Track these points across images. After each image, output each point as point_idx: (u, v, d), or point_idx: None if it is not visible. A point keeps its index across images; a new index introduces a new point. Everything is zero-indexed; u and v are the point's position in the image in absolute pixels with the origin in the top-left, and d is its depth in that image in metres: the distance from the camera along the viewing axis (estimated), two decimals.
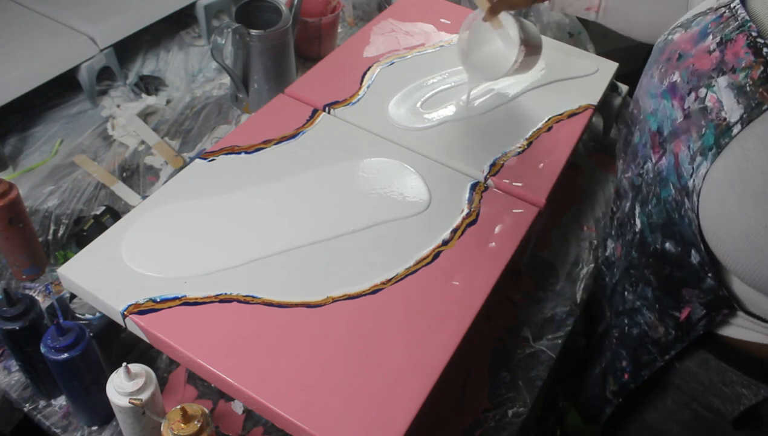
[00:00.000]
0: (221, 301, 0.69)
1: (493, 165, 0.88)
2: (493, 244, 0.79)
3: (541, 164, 0.90)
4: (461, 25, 0.92)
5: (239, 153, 0.86)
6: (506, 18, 0.87)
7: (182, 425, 0.60)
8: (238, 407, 0.77)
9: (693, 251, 0.64)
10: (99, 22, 1.14)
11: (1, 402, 0.78)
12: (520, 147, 0.92)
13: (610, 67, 1.10)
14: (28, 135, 1.08)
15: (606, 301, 0.90)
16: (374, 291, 0.72)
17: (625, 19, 0.88)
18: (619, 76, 1.11)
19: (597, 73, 1.07)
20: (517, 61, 0.87)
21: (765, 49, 0.57)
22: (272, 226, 0.77)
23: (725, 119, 0.58)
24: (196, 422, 0.61)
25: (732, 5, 0.62)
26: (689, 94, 0.63)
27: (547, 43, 1.13)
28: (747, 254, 0.58)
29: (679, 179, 0.64)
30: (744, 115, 0.56)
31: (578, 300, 0.95)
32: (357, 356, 0.66)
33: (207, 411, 0.62)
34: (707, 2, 0.69)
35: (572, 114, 0.99)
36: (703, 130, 0.60)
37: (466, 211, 0.82)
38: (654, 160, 0.69)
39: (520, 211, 0.83)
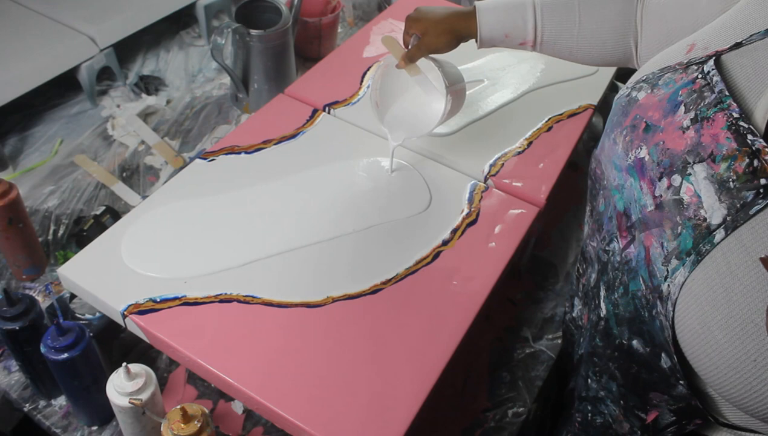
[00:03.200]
0: (221, 301, 0.69)
1: (493, 165, 0.88)
2: (493, 244, 0.79)
3: (541, 164, 0.90)
4: (370, 76, 0.83)
5: (239, 153, 0.86)
6: (423, 62, 0.81)
7: (182, 425, 0.60)
8: (238, 407, 0.77)
9: (663, 355, 0.56)
10: (99, 22, 1.14)
11: (1, 402, 0.78)
12: (520, 147, 0.92)
13: (610, 67, 1.09)
14: (28, 135, 1.08)
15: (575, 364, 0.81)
16: (374, 291, 0.72)
17: (565, 50, 0.80)
18: (619, 76, 1.11)
19: (597, 73, 1.08)
20: (446, 112, 0.80)
21: (749, 137, 0.47)
22: (272, 226, 0.77)
23: (705, 219, 0.49)
24: (196, 422, 0.61)
25: (705, 69, 0.53)
26: (660, 178, 0.54)
27: None
28: (733, 383, 0.50)
29: (651, 278, 0.55)
30: (728, 218, 0.47)
31: None
32: (357, 356, 0.66)
33: (207, 411, 0.62)
34: (674, 51, 0.60)
35: (572, 114, 0.99)
36: (679, 228, 0.52)
37: (466, 211, 0.82)
38: (621, 245, 0.60)
39: (520, 211, 0.83)
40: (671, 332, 0.53)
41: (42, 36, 1.10)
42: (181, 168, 0.94)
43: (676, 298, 0.52)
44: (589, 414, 0.72)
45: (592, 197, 0.69)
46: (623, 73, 1.13)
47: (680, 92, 0.54)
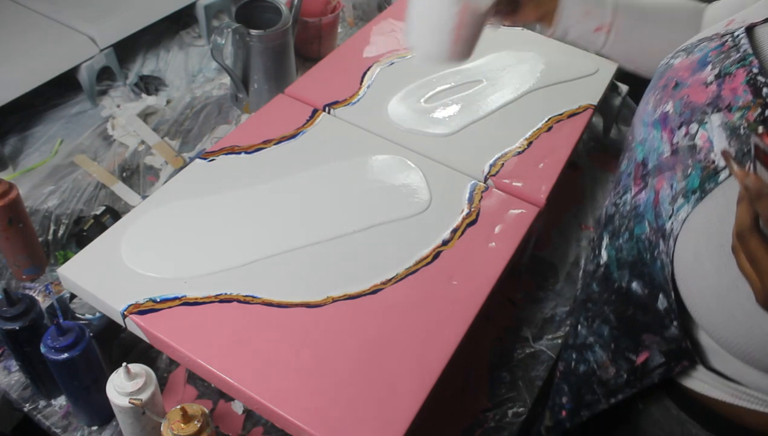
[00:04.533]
0: (221, 301, 0.69)
1: (493, 165, 0.88)
2: (493, 244, 0.79)
3: (541, 164, 0.90)
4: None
5: (239, 153, 0.86)
6: None
7: (182, 425, 0.60)
8: (238, 407, 0.77)
9: (661, 296, 0.60)
10: (99, 22, 1.14)
11: (1, 402, 0.78)
12: (520, 147, 0.92)
13: (610, 67, 1.10)
14: (28, 135, 1.08)
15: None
16: (374, 291, 0.72)
17: (637, 44, 0.80)
18: (619, 76, 1.11)
19: (597, 73, 1.07)
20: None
21: (765, 90, 0.52)
22: (272, 226, 0.77)
23: (713, 162, 0.54)
24: (196, 422, 0.61)
25: (736, 33, 0.58)
26: (680, 127, 0.59)
27: (548, 43, 1.13)
28: (715, 312, 0.55)
29: (656, 219, 0.59)
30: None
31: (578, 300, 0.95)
32: (357, 356, 0.66)
33: (207, 411, 0.62)
34: (716, 26, 0.64)
35: (572, 114, 0.99)
36: (689, 170, 0.56)
37: (466, 211, 0.82)
38: (633, 193, 0.65)
39: (520, 211, 0.83)
40: (671, 269, 0.57)
41: (42, 36, 1.10)
42: (181, 168, 0.94)
43: (677, 234, 0.56)
44: (573, 362, 0.74)
45: (619, 166, 0.73)
46: (623, 73, 1.14)
47: (710, 54, 0.60)
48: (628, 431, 0.75)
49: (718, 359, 0.60)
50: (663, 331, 0.61)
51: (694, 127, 0.57)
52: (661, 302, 0.60)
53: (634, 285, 0.63)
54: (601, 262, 0.69)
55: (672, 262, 0.57)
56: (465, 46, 0.73)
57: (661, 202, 0.59)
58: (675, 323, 0.59)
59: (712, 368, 0.61)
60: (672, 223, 0.57)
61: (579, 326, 0.74)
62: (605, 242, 0.69)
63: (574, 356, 0.75)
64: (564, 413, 0.76)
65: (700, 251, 0.54)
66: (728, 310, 0.53)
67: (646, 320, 0.62)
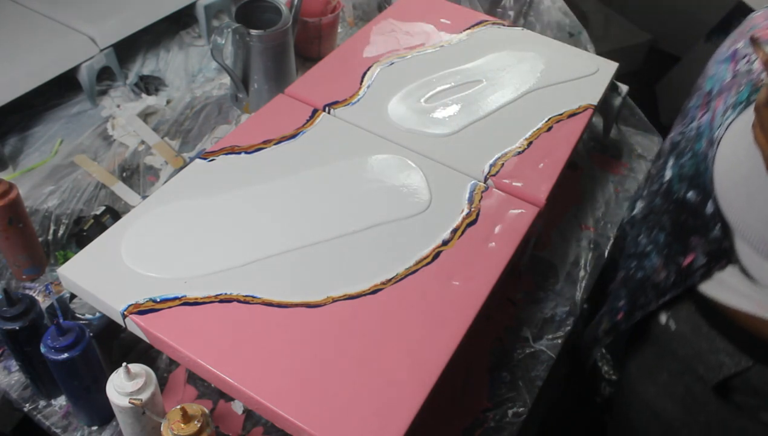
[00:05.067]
0: (221, 301, 0.69)
1: (493, 165, 0.89)
2: (493, 244, 0.79)
3: (541, 164, 0.90)
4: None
5: (239, 153, 0.86)
6: None
7: (182, 425, 0.60)
8: (238, 407, 0.77)
9: (710, 202, 0.70)
10: (99, 22, 1.14)
11: (1, 402, 0.78)
12: (520, 147, 0.92)
13: (610, 67, 1.10)
14: (28, 135, 1.08)
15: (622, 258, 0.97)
16: (374, 291, 0.72)
17: None
18: (619, 76, 1.11)
19: (597, 73, 1.07)
20: None
21: None
22: (272, 226, 0.77)
23: (762, 80, 0.63)
24: (196, 422, 0.61)
25: None
26: (744, 58, 0.70)
27: (547, 43, 1.13)
28: (742, 200, 0.64)
29: (711, 132, 0.70)
30: None
31: (578, 300, 0.95)
32: (357, 356, 0.66)
33: (207, 411, 0.62)
34: None
35: (572, 114, 0.99)
36: (742, 87, 0.66)
37: (466, 211, 0.82)
38: (698, 118, 0.76)
39: (520, 211, 0.83)
40: (711, 171, 0.68)
41: (42, 36, 1.10)
42: (181, 168, 0.94)
43: (721, 137, 0.66)
44: (632, 270, 0.86)
45: (688, 102, 0.85)
46: (623, 73, 1.14)
47: None
48: (659, 351, 0.84)
49: (749, 262, 0.69)
50: (707, 233, 0.71)
51: (753, 56, 0.67)
52: (709, 207, 0.70)
53: (690, 194, 0.74)
54: (665, 180, 0.81)
55: (713, 163, 0.67)
56: None
57: (716, 117, 0.69)
58: (718, 225, 0.69)
59: (743, 272, 0.70)
60: (720, 130, 0.67)
61: (640, 236, 0.85)
62: (670, 163, 0.81)
63: (634, 263, 0.86)
64: (620, 315, 0.87)
65: (738, 146, 0.63)
66: (753, 197, 0.62)
67: (695, 224, 0.73)
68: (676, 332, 0.80)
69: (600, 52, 1.20)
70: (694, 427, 0.82)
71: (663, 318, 0.82)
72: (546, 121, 0.97)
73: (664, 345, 0.83)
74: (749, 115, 0.61)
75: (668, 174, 0.80)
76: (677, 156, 0.79)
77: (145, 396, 0.63)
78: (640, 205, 0.92)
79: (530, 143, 0.93)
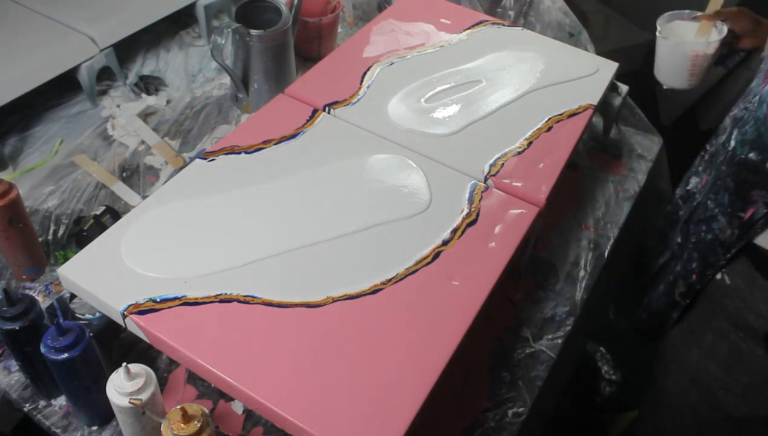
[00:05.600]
0: (221, 301, 0.69)
1: (493, 165, 0.88)
2: (493, 244, 0.79)
3: (541, 164, 0.90)
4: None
5: (239, 153, 0.86)
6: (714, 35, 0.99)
7: (182, 425, 0.60)
8: (238, 407, 0.77)
9: None
10: (99, 22, 1.14)
11: (1, 402, 0.78)
12: (520, 147, 0.92)
13: (610, 67, 1.10)
14: (28, 135, 1.08)
15: (676, 231, 1.03)
16: (374, 291, 0.72)
17: None
18: (619, 76, 1.11)
19: (597, 73, 1.07)
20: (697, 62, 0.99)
21: None
22: (272, 226, 0.77)
23: None
24: (196, 422, 0.61)
25: None
26: None
27: (547, 43, 1.13)
28: None
29: None
30: None
31: (578, 300, 0.95)
32: (357, 356, 0.66)
33: (207, 411, 0.62)
34: None
35: (572, 114, 0.99)
36: None
37: (466, 211, 0.82)
38: (760, 88, 0.84)
39: (520, 211, 0.83)
40: None
41: (42, 36, 1.10)
42: (181, 168, 0.94)
43: None
44: (702, 233, 0.93)
45: (747, 92, 0.92)
46: (623, 73, 1.14)
47: None
48: (707, 310, 0.92)
49: None
50: (767, 185, 0.80)
51: None
52: None
53: (751, 154, 0.83)
54: (729, 148, 0.89)
55: None
56: (698, 78, 1.04)
57: None
58: None
59: None
60: None
61: (708, 202, 0.92)
62: (735, 133, 0.88)
63: (704, 227, 0.93)
64: (694, 276, 0.94)
65: None
66: None
67: (755, 180, 0.82)
68: (730, 286, 0.88)
69: (600, 52, 1.20)
70: (734, 389, 0.90)
71: (718, 274, 0.91)
72: (546, 121, 0.97)
73: (716, 302, 0.89)
74: None
75: (732, 142, 0.88)
76: (740, 126, 0.87)
77: (145, 396, 0.63)
78: (694, 180, 0.99)
79: (530, 143, 0.93)
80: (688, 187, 1.03)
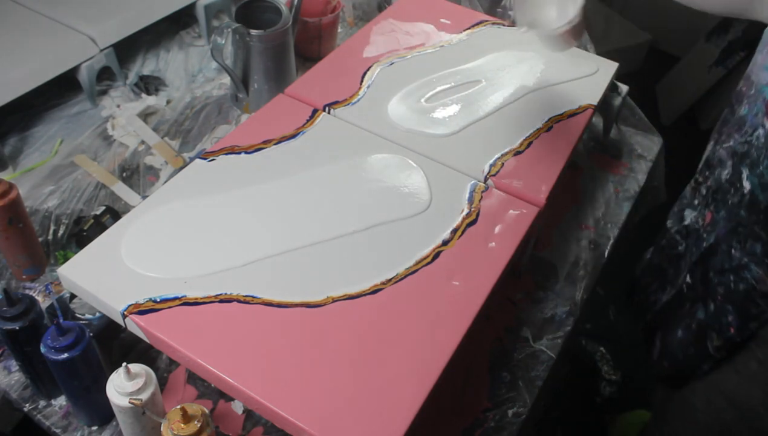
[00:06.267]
0: (221, 301, 0.69)
1: (493, 165, 0.88)
2: (493, 244, 0.79)
3: (541, 164, 0.90)
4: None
5: (239, 153, 0.86)
6: None
7: (182, 425, 0.60)
8: (238, 407, 0.77)
9: None
10: (99, 22, 1.14)
11: (1, 402, 0.78)
12: (520, 147, 0.92)
13: (610, 67, 1.10)
14: (28, 135, 1.08)
15: (679, 268, 0.97)
16: (374, 291, 0.72)
17: None
18: (619, 76, 1.11)
19: (597, 73, 1.07)
20: (571, 23, 0.85)
21: None
22: (272, 226, 0.77)
23: None
24: (196, 422, 0.61)
25: None
26: None
27: None
28: None
29: None
30: None
31: (578, 300, 0.95)
32: (357, 356, 0.66)
33: (207, 411, 0.62)
34: None
35: (572, 114, 0.99)
36: None
37: (466, 211, 0.82)
38: (767, 126, 0.77)
39: (520, 211, 0.83)
40: None
41: (42, 36, 1.10)
42: (181, 168, 0.94)
43: None
44: (732, 283, 0.85)
45: (731, 114, 0.86)
46: (623, 73, 1.14)
47: None
48: (754, 349, 0.84)
49: None
50: None
51: None
52: None
53: None
54: (745, 191, 0.81)
55: None
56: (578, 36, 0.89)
57: None
58: None
59: None
60: None
61: (732, 251, 0.84)
62: (745, 174, 0.81)
63: (732, 277, 0.85)
64: (732, 329, 0.85)
65: None
66: None
67: None
68: None
69: (600, 52, 1.20)
70: None
71: None
72: (546, 121, 0.97)
73: (763, 337, 0.83)
74: None
75: (747, 185, 0.80)
76: (751, 166, 0.79)
77: (145, 396, 0.63)
78: (691, 213, 0.93)
79: (530, 143, 0.93)
80: (685, 223, 0.97)
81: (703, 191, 0.92)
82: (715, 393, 0.90)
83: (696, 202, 0.94)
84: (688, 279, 0.95)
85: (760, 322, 0.82)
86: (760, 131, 0.78)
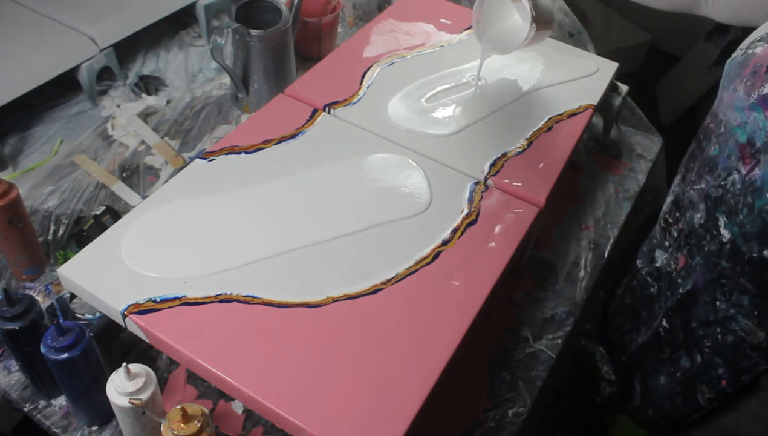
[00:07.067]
0: (221, 301, 0.69)
1: (493, 165, 0.89)
2: (493, 244, 0.79)
3: (541, 164, 0.90)
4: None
5: (239, 153, 0.86)
6: None
7: (182, 425, 0.60)
8: (238, 407, 0.77)
9: None
10: (99, 22, 1.14)
11: (1, 402, 0.78)
12: (520, 147, 0.92)
13: (610, 67, 1.10)
14: (28, 135, 1.08)
15: (653, 312, 0.93)
16: (374, 291, 0.72)
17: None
18: (619, 76, 1.11)
19: (597, 73, 1.07)
20: (528, 38, 0.88)
21: None
22: (272, 226, 0.77)
23: None
24: (196, 422, 0.61)
25: None
26: None
27: (548, 43, 1.13)
28: None
29: None
30: None
31: (578, 300, 0.95)
32: (357, 356, 0.66)
33: (207, 411, 0.62)
34: None
35: (572, 114, 0.99)
36: None
37: (466, 211, 0.82)
38: (744, 172, 0.71)
39: (520, 211, 0.83)
40: None
41: (42, 36, 1.10)
42: (181, 168, 0.94)
43: None
44: (719, 336, 0.80)
45: (700, 151, 0.82)
46: (623, 73, 1.14)
47: None
48: (757, 390, 0.81)
49: None
50: None
51: None
52: None
53: (766, 252, 0.70)
54: (725, 240, 0.75)
55: None
56: (540, 37, 0.92)
57: None
58: None
59: None
60: None
61: (717, 302, 0.79)
62: (722, 221, 0.76)
63: (718, 330, 0.80)
64: (724, 382, 0.82)
65: None
66: None
67: None
68: None
69: (600, 52, 1.20)
70: None
71: None
72: (546, 121, 0.97)
73: (762, 385, 0.80)
74: None
75: (726, 234, 0.75)
76: (729, 214, 0.74)
77: (145, 396, 0.63)
78: (661, 254, 0.89)
79: (530, 143, 0.93)
80: (656, 265, 0.93)
81: (674, 233, 0.88)
82: (715, 428, 0.87)
83: (667, 244, 0.89)
84: (664, 323, 0.91)
85: (753, 374, 0.79)
86: (735, 176, 0.73)
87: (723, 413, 0.86)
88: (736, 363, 0.80)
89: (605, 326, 1.09)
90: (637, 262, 1.00)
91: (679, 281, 0.86)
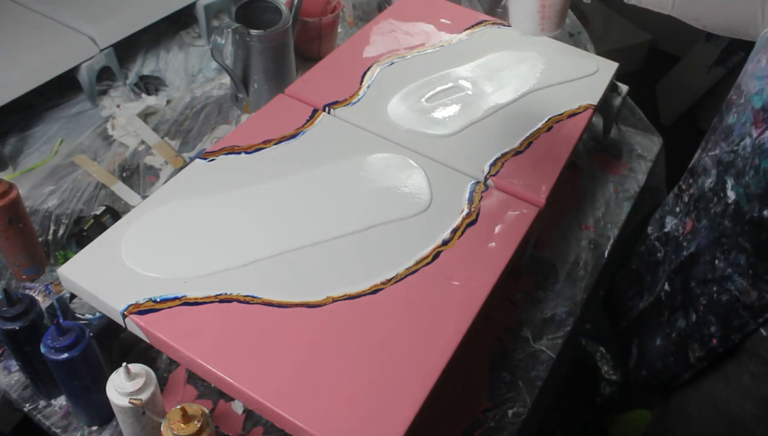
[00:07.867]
0: (221, 301, 0.69)
1: (493, 165, 0.89)
2: (493, 244, 0.79)
3: (541, 164, 0.90)
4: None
5: (239, 153, 0.86)
6: None
7: (182, 425, 0.60)
8: (238, 407, 0.77)
9: None
10: (99, 22, 1.14)
11: (1, 402, 0.78)
12: (520, 147, 0.92)
13: (610, 67, 1.10)
14: (28, 135, 1.08)
15: (657, 276, 0.95)
16: (374, 291, 0.72)
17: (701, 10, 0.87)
18: (619, 76, 1.11)
19: (597, 73, 1.07)
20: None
21: None
22: (272, 226, 0.78)
23: None
24: (196, 422, 0.61)
25: None
26: None
27: (548, 43, 1.13)
28: None
29: None
30: None
31: (578, 300, 0.95)
32: (357, 356, 0.66)
33: (207, 411, 0.62)
34: None
35: (572, 114, 0.99)
36: None
37: (466, 211, 0.82)
38: (755, 135, 0.74)
39: (520, 211, 0.83)
40: None
41: (42, 36, 1.10)
42: (181, 168, 0.94)
43: None
44: (715, 294, 0.83)
45: (720, 121, 0.84)
46: (623, 73, 1.14)
47: None
48: (747, 362, 0.83)
49: None
50: None
51: None
52: None
53: (766, 212, 0.72)
54: (729, 201, 0.79)
55: None
56: (552, 23, 0.85)
57: None
58: None
59: None
60: None
61: (716, 261, 0.82)
62: (729, 183, 0.79)
63: (714, 288, 0.83)
64: (715, 341, 0.84)
65: None
66: None
67: None
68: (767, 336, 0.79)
69: (600, 52, 1.20)
70: None
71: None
72: (546, 121, 0.97)
73: (752, 351, 0.81)
74: None
75: (732, 195, 0.78)
76: (736, 176, 0.77)
77: (145, 396, 0.63)
78: (671, 220, 0.91)
79: (530, 143, 0.93)
80: (665, 230, 0.95)
81: (686, 199, 0.90)
82: (707, 405, 0.89)
83: (677, 209, 0.92)
84: (666, 287, 0.93)
85: (743, 333, 0.80)
86: (747, 141, 0.76)
87: (714, 390, 0.87)
88: (728, 322, 0.82)
89: (609, 294, 1.11)
90: (648, 229, 1.02)
91: (685, 244, 0.89)
